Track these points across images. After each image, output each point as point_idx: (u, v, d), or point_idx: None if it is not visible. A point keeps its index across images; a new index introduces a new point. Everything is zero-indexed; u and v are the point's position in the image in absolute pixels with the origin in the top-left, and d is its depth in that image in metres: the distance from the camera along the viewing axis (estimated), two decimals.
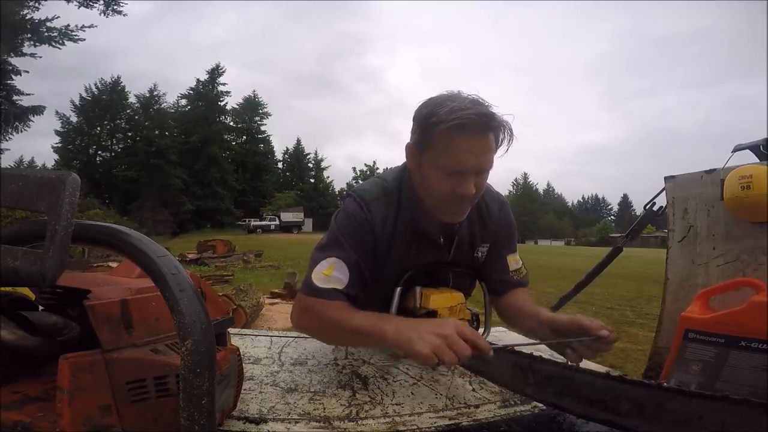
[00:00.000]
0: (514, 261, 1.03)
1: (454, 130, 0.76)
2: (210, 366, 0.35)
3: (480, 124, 0.76)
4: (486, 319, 1.10)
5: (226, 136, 48.05)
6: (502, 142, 0.81)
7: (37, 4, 13.44)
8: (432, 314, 0.94)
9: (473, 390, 0.81)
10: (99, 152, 43.51)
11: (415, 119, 0.85)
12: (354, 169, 54.69)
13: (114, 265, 4.39)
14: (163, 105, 44.41)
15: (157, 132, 41.13)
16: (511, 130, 0.80)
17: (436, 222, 0.93)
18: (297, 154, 57.49)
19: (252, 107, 50.98)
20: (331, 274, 0.84)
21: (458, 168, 0.79)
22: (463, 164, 0.78)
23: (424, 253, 0.95)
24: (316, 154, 57.37)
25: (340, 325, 0.80)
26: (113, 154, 43.78)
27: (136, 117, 43.04)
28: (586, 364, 1.02)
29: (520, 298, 0.99)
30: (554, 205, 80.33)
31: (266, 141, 52.71)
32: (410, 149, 0.87)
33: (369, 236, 0.89)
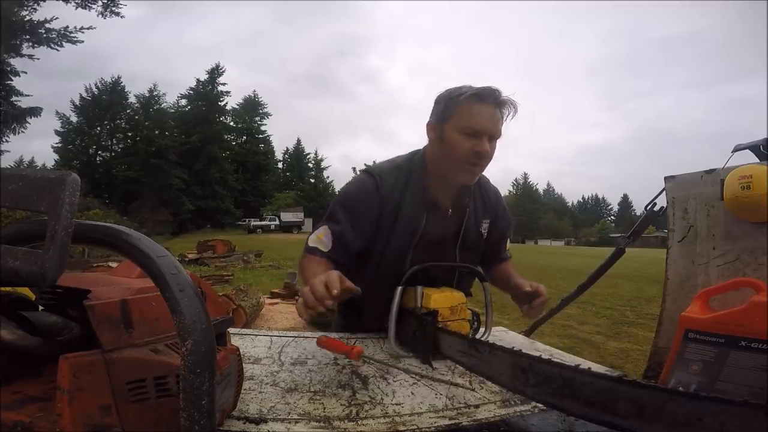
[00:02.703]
0: (508, 243, 1.25)
1: (474, 99, 0.94)
2: (210, 366, 0.35)
3: (493, 96, 0.95)
4: (486, 319, 1.10)
5: (226, 136, 48.06)
6: (508, 116, 0.98)
7: (35, 5, 13.44)
8: (432, 314, 0.95)
9: (473, 390, 0.81)
10: (99, 152, 43.55)
11: (437, 100, 1.01)
12: (354, 169, 54.63)
13: (114, 265, 4.39)
14: (163, 105, 44.49)
15: (157, 132, 41.14)
16: (516, 106, 0.97)
17: (446, 192, 1.05)
18: (297, 154, 57.49)
19: (252, 107, 50.98)
20: (321, 238, 1.00)
21: (477, 127, 0.94)
22: (480, 125, 0.94)
23: (432, 224, 1.04)
24: (316, 154, 57.45)
25: (304, 269, 0.97)
26: (113, 154, 43.80)
27: (136, 117, 43.05)
28: (585, 364, 1.02)
29: (504, 267, 1.20)
30: (554, 205, 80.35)
31: (266, 141, 52.72)
32: (431, 125, 1.02)
33: (374, 201, 1.01)
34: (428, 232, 1.03)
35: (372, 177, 1.03)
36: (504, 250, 1.22)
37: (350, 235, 0.99)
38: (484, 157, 0.97)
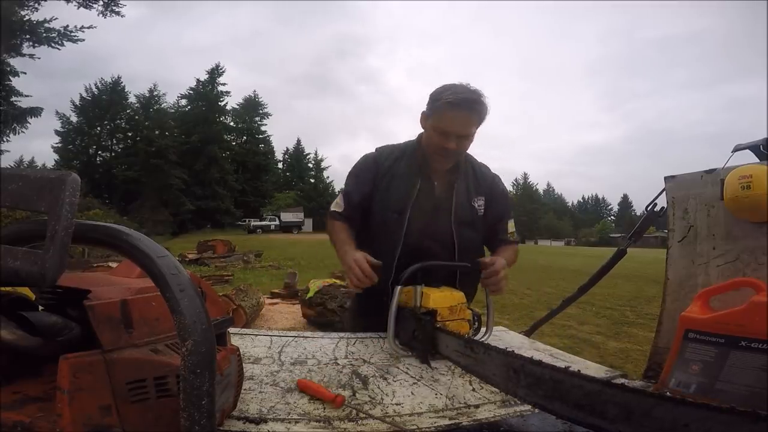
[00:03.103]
0: (510, 225, 1.34)
1: (446, 106, 1.12)
2: (210, 366, 0.35)
3: (466, 104, 1.12)
4: (488, 319, 1.10)
5: (226, 136, 47.99)
6: (481, 118, 1.16)
7: (36, 5, 13.41)
8: (431, 313, 0.95)
9: (473, 390, 0.81)
10: (99, 152, 43.50)
11: (429, 96, 1.20)
12: None
13: (114, 265, 4.38)
14: (163, 105, 44.43)
15: (157, 132, 41.09)
16: (487, 111, 1.16)
17: (435, 167, 1.24)
18: (297, 154, 57.46)
19: (252, 107, 50.95)
20: (338, 202, 1.29)
21: (447, 129, 1.15)
22: (449, 128, 1.14)
23: (425, 191, 1.23)
24: (316, 154, 57.41)
25: (332, 236, 1.25)
26: (113, 154, 43.75)
27: (136, 117, 43.00)
28: (584, 364, 1.02)
29: (503, 249, 1.28)
30: (554, 205, 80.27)
31: (266, 141, 52.67)
32: (423, 115, 1.24)
33: (371, 167, 1.28)
34: (422, 197, 1.22)
35: (374, 152, 1.33)
36: (503, 232, 1.32)
37: (355, 194, 1.27)
38: (450, 152, 1.18)
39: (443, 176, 1.25)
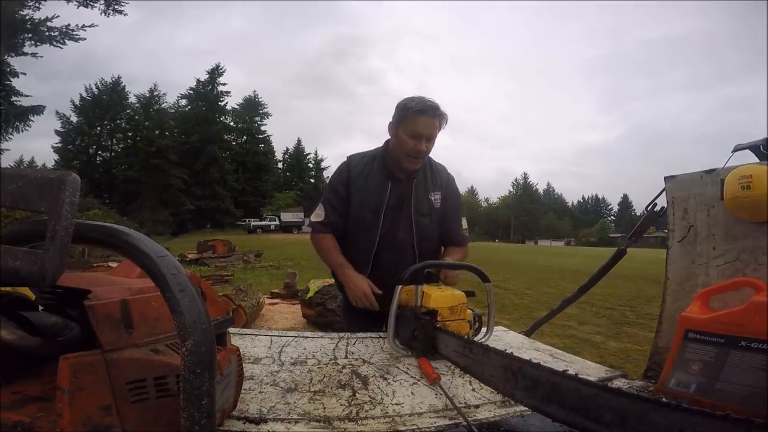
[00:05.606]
0: (464, 222, 1.53)
1: (418, 113, 1.30)
2: (210, 366, 0.35)
3: (431, 111, 1.31)
4: (489, 320, 1.10)
5: (226, 136, 48.01)
6: (442, 124, 1.35)
7: (37, 4, 13.42)
8: (432, 313, 0.95)
9: (473, 390, 0.81)
10: (99, 152, 43.51)
11: (396, 107, 1.37)
12: None
13: (114, 265, 4.38)
14: (163, 105, 44.43)
15: (157, 132, 41.11)
16: (447, 117, 1.35)
17: (401, 170, 1.39)
18: (297, 154, 57.47)
19: (252, 107, 50.95)
20: (318, 213, 1.43)
21: (417, 132, 1.31)
22: (420, 132, 1.31)
23: (393, 191, 1.38)
24: (316, 154, 57.47)
25: (322, 253, 1.42)
26: (113, 154, 43.76)
27: (136, 117, 43.01)
28: (583, 365, 1.02)
29: (455, 252, 1.44)
30: (554, 205, 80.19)
31: (266, 141, 52.68)
32: (391, 125, 1.38)
33: (345, 176, 1.41)
34: (392, 197, 1.38)
35: (346, 162, 1.46)
36: (460, 228, 1.49)
37: (333, 200, 1.41)
38: (422, 154, 1.34)
39: (408, 175, 1.40)
